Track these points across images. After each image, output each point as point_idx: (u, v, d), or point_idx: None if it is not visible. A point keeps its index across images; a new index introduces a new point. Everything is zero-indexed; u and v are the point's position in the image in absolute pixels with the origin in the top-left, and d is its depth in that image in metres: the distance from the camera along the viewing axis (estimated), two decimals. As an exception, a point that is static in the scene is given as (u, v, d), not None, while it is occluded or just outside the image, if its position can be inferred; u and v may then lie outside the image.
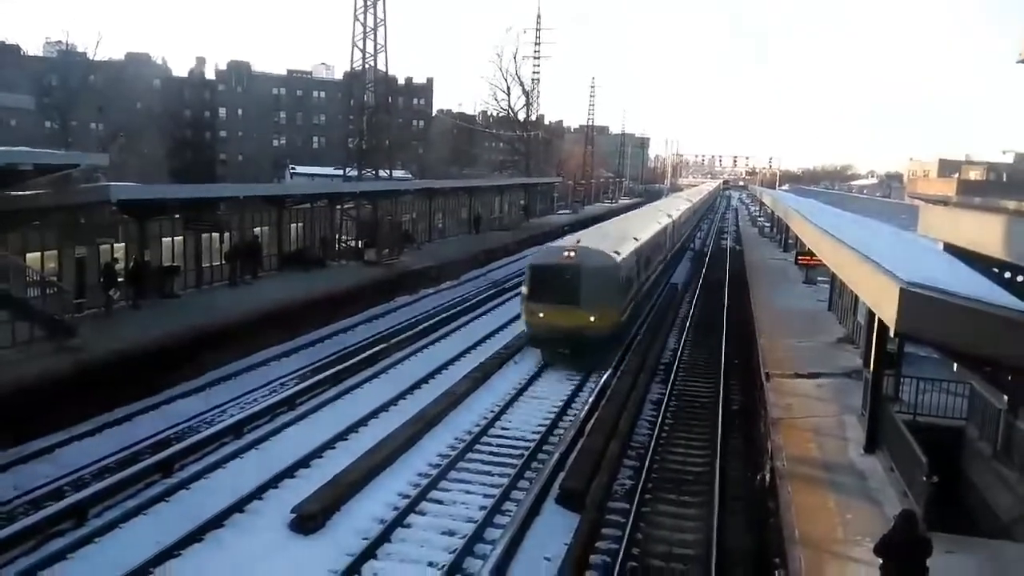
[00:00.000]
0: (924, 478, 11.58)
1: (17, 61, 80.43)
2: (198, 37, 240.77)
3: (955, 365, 16.93)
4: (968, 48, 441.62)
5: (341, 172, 52.52)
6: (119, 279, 25.74)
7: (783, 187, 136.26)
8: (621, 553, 13.17)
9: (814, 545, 11.23)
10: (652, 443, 18.72)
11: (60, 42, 72.34)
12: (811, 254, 32.21)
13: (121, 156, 64.37)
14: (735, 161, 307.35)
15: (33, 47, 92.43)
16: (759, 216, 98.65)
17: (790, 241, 50.69)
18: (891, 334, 13.09)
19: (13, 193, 23.29)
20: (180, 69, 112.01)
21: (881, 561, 9.43)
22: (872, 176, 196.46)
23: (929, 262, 17.56)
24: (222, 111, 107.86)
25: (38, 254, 23.40)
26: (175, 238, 29.46)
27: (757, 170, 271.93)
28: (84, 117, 71.06)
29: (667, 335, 31.52)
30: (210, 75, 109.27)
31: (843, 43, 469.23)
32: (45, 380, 18.47)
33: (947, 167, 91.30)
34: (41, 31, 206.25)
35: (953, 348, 13.10)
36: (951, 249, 22.43)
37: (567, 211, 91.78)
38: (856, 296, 19.60)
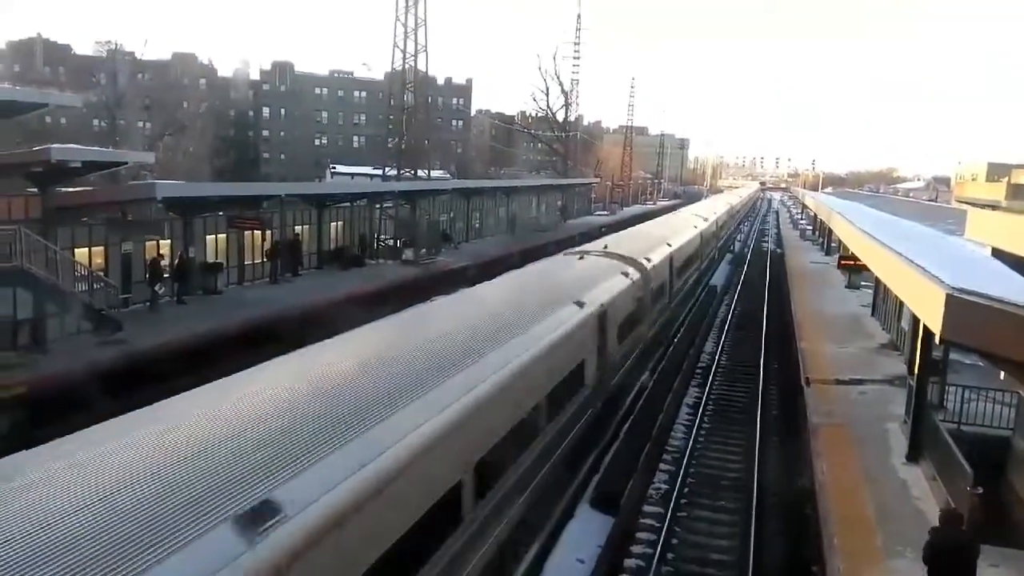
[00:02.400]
0: (968, 489, 11.31)
1: (67, 60, 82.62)
2: (243, 38, 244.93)
3: (1002, 373, 16.50)
4: (1019, 49, 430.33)
5: (380, 172, 53.06)
6: (164, 275, 26.32)
7: (826, 190, 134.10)
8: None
9: (853, 554, 11.03)
10: (688, 449, 18.65)
11: (109, 41, 74.06)
12: (854, 258, 31.63)
13: (167, 154, 65.69)
14: (777, 163, 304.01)
15: (83, 47, 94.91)
16: (801, 218, 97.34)
17: (832, 244, 49.90)
18: (936, 341, 12.81)
19: (63, 190, 23.99)
20: (226, 69, 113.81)
21: (927, 569, 9.18)
22: (919, 179, 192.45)
23: (976, 267, 17.12)
24: (265, 111, 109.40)
25: (86, 249, 24.03)
26: (218, 235, 30.02)
27: (799, 172, 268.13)
28: (132, 116, 72.57)
29: (704, 338, 31.32)
30: (254, 75, 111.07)
31: (888, 43, 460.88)
32: (91, 372, 18.93)
33: (996, 171, 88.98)
34: (91, 31, 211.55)
35: (1000, 356, 12.73)
36: (999, 254, 21.86)
37: (604, 212, 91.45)
38: (900, 301, 19.21)
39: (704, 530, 14.84)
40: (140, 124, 75.06)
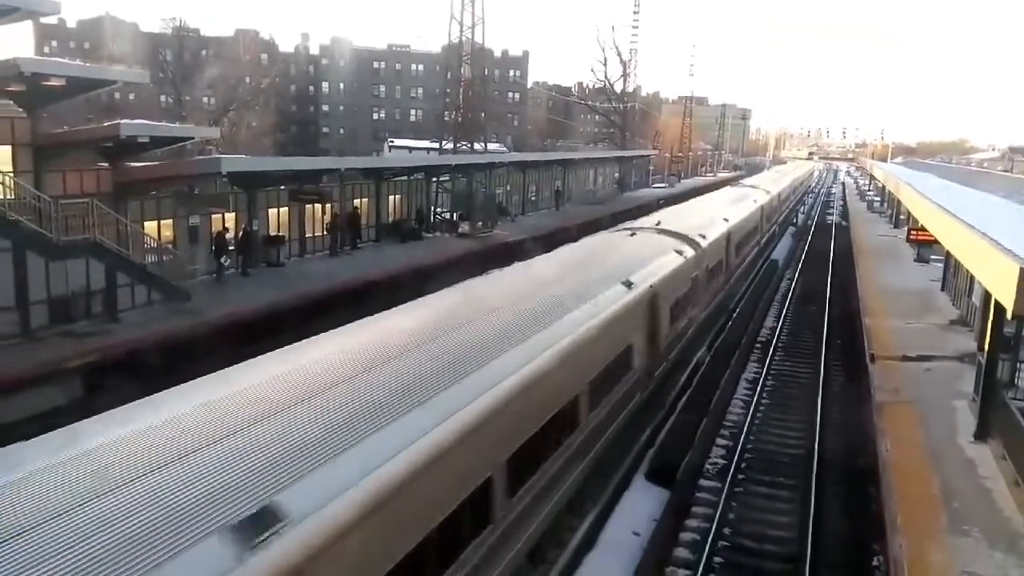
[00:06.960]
0: (1040, 469, 10.98)
1: (135, 37, 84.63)
2: (303, 13, 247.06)
3: (1080, 351, 15.88)
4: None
5: (437, 145, 53.28)
6: (229, 248, 27.01)
7: (895, 160, 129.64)
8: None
9: (917, 533, 10.82)
10: (745, 426, 18.47)
11: (174, 18, 75.56)
12: (924, 230, 30.60)
13: (231, 129, 67.00)
14: (844, 133, 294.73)
15: (149, 24, 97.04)
16: (868, 190, 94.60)
17: (901, 217, 48.39)
18: (1008, 316, 12.39)
19: (133, 164, 24.73)
20: (286, 45, 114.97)
21: None
22: (993, 150, 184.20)
23: (1054, 241, 16.41)
24: (325, 85, 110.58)
25: (155, 223, 24.79)
26: (280, 208, 30.62)
27: (867, 143, 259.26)
28: (197, 92, 74.08)
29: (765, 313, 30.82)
30: (314, 51, 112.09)
31: (958, 8, 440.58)
32: (165, 341, 19.61)
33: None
34: (156, 8, 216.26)
35: (1078, 333, 12.29)
36: (1080, 227, 20.89)
37: (663, 184, 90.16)
38: (971, 276, 18.58)
39: (762, 506, 14.71)
40: (205, 100, 76.57)
